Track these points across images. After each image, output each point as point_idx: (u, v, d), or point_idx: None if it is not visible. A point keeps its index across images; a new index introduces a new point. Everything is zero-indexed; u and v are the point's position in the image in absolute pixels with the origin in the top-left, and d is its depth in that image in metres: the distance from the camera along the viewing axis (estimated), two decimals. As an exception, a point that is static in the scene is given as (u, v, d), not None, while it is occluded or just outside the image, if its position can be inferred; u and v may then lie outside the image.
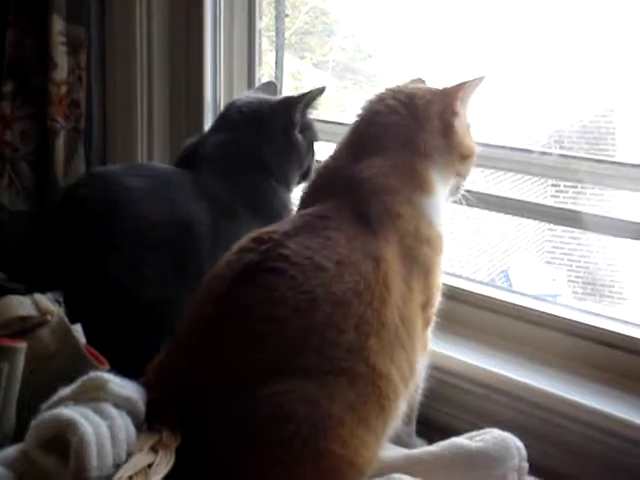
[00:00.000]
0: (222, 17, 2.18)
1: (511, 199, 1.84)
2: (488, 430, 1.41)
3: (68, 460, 1.04)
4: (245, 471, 1.18)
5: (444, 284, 1.48)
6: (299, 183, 1.83)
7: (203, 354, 1.25)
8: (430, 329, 1.45)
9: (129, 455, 1.10)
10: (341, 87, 2.59)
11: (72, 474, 1.03)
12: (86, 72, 2.21)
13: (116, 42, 2.23)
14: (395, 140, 1.46)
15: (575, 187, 2.05)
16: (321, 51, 2.57)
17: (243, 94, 1.95)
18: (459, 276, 1.87)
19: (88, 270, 1.58)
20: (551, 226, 2.29)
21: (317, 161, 1.84)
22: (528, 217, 1.92)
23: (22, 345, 1.25)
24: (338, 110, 2.55)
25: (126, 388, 1.17)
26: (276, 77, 2.29)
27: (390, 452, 1.38)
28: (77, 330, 1.37)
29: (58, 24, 2.15)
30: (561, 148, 2.06)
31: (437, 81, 1.57)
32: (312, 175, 1.58)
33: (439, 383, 1.53)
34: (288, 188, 1.81)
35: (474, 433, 1.41)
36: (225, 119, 1.83)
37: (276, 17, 2.33)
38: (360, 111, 1.53)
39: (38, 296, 1.37)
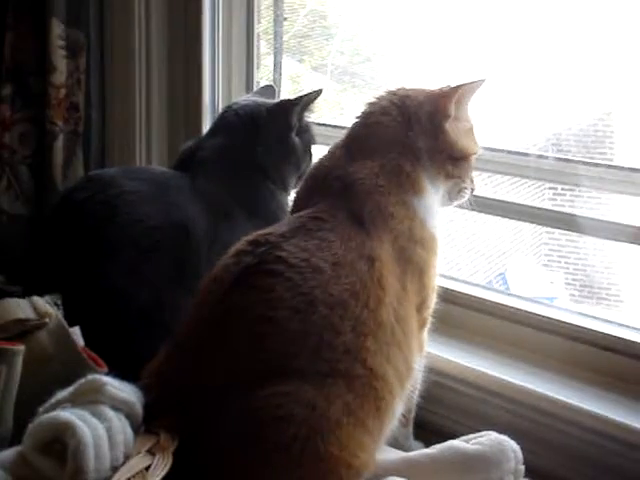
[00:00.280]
0: (220, 21, 2.18)
1: (508, 202, 1.84)
2: (485, 433, 1.41)
3: (65, 463, 1.04)
4: (243, 473, 1.19)
5: (441, 287, 1.48)
6: (296, 186, 1.83)
7: (201, 357, 1.26)
8: (426, 330, 1.45)
9: (126, 458, 1.10)
10: (339, 90, 2.59)
11: (69, 476, 1.03)
12: (85, 75, 2.21)
13: (115, 46, 2.24)
14: (386, 141, 1.46)
15: (572, 190, 2.05)
16: (320, 54, 2.57)
17: (241, 98, 1.95)
18: (456, 279, 1.87)
19: (86, 273, 1.58)
20: (548, 229, 2.28)
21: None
22: (525, 220, 1.93)
23: (20, 348, 1.25)
24: (336, 113, 2.55)
25: (124, 391, 1.17)
26: (274, 80, 2.29)
27: (387, 455, 1.37)
28: (75, 333, 1.37)
29: (57, 27, 2.15)
30: (559, 151, 2.05)
31: (435, 85, 1.57)
32: (306, 174, 1.58)
33: (436, 386, 1.53)
34: (285, 191, 1.81)
35: (471, 436, 1.41)
36: (222, 122, 1.83)
37: (274, 20, 2.33)
38: (358, 113, 1.53)
39: (36, 299, 1.37)
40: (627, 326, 1.63)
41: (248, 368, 1.22)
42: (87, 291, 1.56)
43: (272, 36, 2.35)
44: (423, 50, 2.21)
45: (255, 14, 2.20)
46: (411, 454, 1.42)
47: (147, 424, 1.19)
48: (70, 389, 1.16)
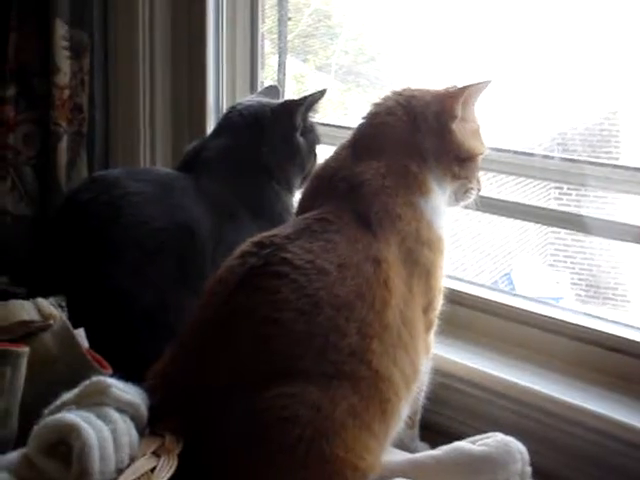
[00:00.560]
0: (224, 21, 2.17)
1: (514, 202, 1.84)
2: (491, 434, 1.40)
3: (71, 465, 1.04)
4: (247, 475, 1.19)
5: (447, 288, 1.48)
6: (301, 186, 1.82)
7: (206, 358, 1.26)
8: (432, 332, 1.45)
9: (131, 460, 1.10)
10: (344, 90, 2.58)
11: (74, 479, 1.03)
12: (89, 76, 2.21)
13: (119, 46, 2.24)
14: (392, 142, 1.46)
15: (578, 190, 2.04)
16: (324, 54, 2.56)
17: (245, 98, 1.95)
18: (462, 280, 1.86)
19: (90, 274, 1.58)
20: (554, 229, 2.28)
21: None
22: (531, 221, 1.92)
23: (25, 350, 1.25)
24: (341, 113, 2.55)
25: (129, 392, 1.17)
26: (279, 80, 2.29)
27: (393, 456, 1.37)
28: (80, 334, 1.37)
29: (61, 28, 2.15)
30: (564, 151, 2.05)
31: (440, 85, 1.57)
32: (312, 175, 1.58)
33: (442, 387, 1.53)
34: (290, 191, 1.81)
35: (477, 437, 1.41)
36: (226, 123, 1.83)
37: (279, 20, 2.33)
38: (364, 113, 1.53)
39: (41, 300, 1.37)
40: (633, 327, 1.63)
41: (253, 369, 1.22)
42: (91, 292, 1.56)
43: (276, 36, 2.35)
44: (428, 50, 2.20)
45: (259, 14, 2.19)
46: (417, 455, 1.42)
47: (152, 426, 1.19)
48: (75, 391, 1.16)
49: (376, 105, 1.52)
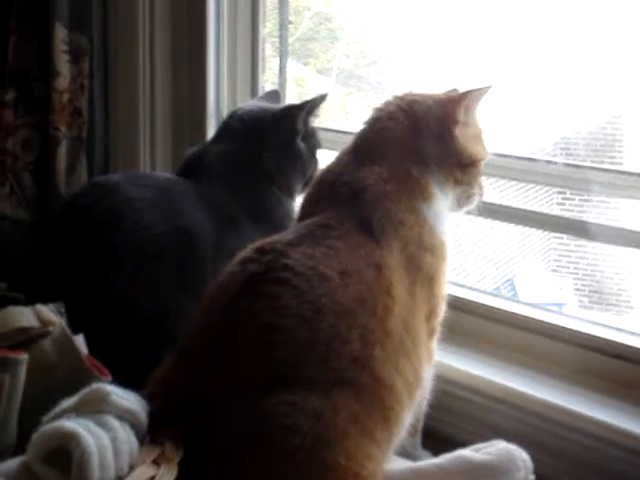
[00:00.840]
0: (225, 24, 2.17)
1: (517, 208, 1.84)
2: (494, 442, 1.40)
3: (70, 473, 1.03)
4: (249, 483, 1.18)
5: (449, 294, 1.47)
6: (302, 191, 1.82)
7: (207, 365, 1.25)
8: (435, 339, 1.44)
9: (131, 468, 1.09)
10: (345, 94, 2.58)
11: (74, 487, 1.02)
12: (88, 80, 2.21)
13: (118, 50, 2.24)
14: (394, 147, 1.45)
15: (581, 195, 2.04)
16: (325, 57, 2.57)
17: (246, 103, 1.95)
18: (465, 286, 1.86)
19: (89, 280, 1.57)
20: (557, 235, 2.28)
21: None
22: (534, 226, 1.92)
23: (24, 356, 1.24)
24: (342, 117, 2.55)
25: (129, 400, 1.16)
26: (279, 84, 2.29)
27: (395, 464, 1.37)
28: (79, 341, 1.36)
29: (60, 32, 2.15)
30: (567, 156, 2.05)
31: (442, 89, 1.57)
32: (314, 181, 1.57)
33: (444, 394, 1.52)
34: (291, 196, 1.81)
35: (480, 445, 1.40)
36: (227, 128, 1.83)
37: (280, 23, 2.33)
38: (366, 118, 1.53)
39: (39, 307, 1.37)
40: (636, 334, 1.62)
41: (254, 376, 1.21)
42: (91, 298, 1.56)
43: (277, 39, 2.35)
44: (430, 54, 2.20)
45: (260, 17, 2.19)
46: (419, 464, 1.41)
47: (152, 433, 1.18)
48: (74, 398, 1.15)
49: (378, 110, 1.52)
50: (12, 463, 1.10)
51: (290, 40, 2.37)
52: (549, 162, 1.81)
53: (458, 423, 1.62)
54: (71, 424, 1.07)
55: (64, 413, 1.12)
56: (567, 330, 1.65)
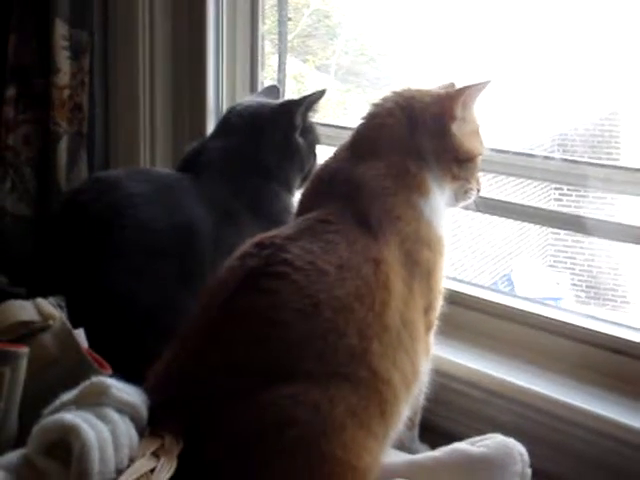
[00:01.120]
0: (225, 21, 2.18)
1: (514, 203, 1.84)
2: (491, 435, 1.40)
3: (70, 465, 1.04)
4: (247, 475, 1.18)
5: (447, 289, 1.48)
6: (301, 186, 1.82)
7: (206, 359, 1.25)
8: (432, 333, 1.45)
9: (131, 460, 1.10)
10: (344, 90, 2.59)
11: (74, 479, 1.03)
12: (89, 76, 2.21)
13: (119, 46, 2.24)
14: (391, 142, 1.46)
15: (578, 191, 2.04)
16: (324, 54, 2.57)
17: (245, 98, 1.95)
18: (462, 281, 1.86)
19: (90, 274, 1.57)
20: (554, 230, 2.28)
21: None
22: (531, 222, 1.92)
23: (24, 350, 1.25)
24: (341, 113, 2.55)
25: (128, 393, 1.17)
26: (279, 80, 2.29)
27: (392, 457, 1.37)
28: (79, 335, 1.36)
29: (61, 28, 2.15)
30: (564, 152, 2.06)
31: (439, 84, 1.57)
32: (312, 176, 1.58)
33: (442, 388, 1.52)
34: (290, 191, 1.81)
35: (477, 438, 1.40)
36: (226, 124, 1.83)
37: (279, 20, 2.33)
38: (364, 114, 1.53)
39: (40, 301, 1.37)
40: (633, 328, 1.63)
41: (253, 370, 1.22)
42: (92, 293, 1.56)
43: (276, 36, 2.35)
44: (428, 50, 2.21)
45: (259, 14, 2.19)
46: (416, 457, 1.42)
47: (152, 426, 1.19)
48: (74, 391, 1.15)
49: (375, 106, 1.52)
50: (13, 456, 1.10)
51: (289, 37, 2.37)
52: (547, 158, 1.82)
53: (455, 417, 1.63)
54: (71, 417, 1.07)
55: (64, 406, 1.13)
56: (565, 324, 1.66)
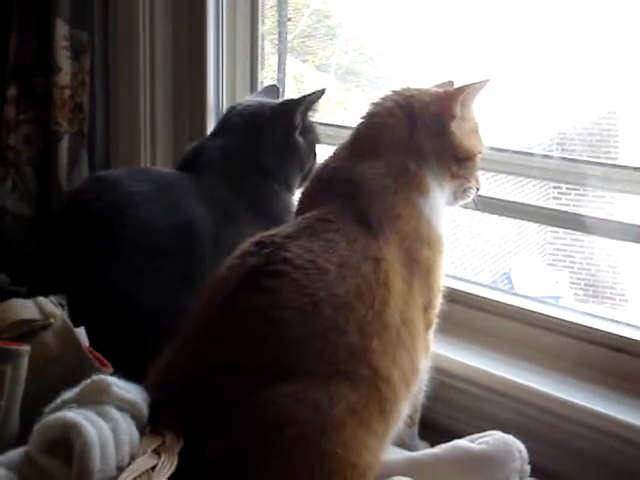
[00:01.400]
0: (224, 21, 2.18)
1: (513, 202, 1.84)
2: (490, 433, 1.41)
3: (71, 463, 1.04)
4: (248, 473, 1.18)
5: (446, 287, 1.48)
6: (300, 185, 1.83)
7: (206, 358, 1.26)
8: (432, 331, 1.45)
9: (132, 458, 1.10)
10: (343, 90, 2.59)
11: (75, 477, 1.03)
12: (90, 76, 2.21)
13: (119, 46, 2.24)
14: (391, 141, 1.46)
15: (577, 189, 2.05)
16: (323, 54, 2.57)
17: (245, 98, 1.95)
18: (461, 279, 1.86)
19: (91, 273, 1.58)
20: (553, 228, 2.28)
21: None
22: (530, 220, 1.93)
23: (25, 348, 1.25)
24: (340, 113, 2.55)
25: (129, 391, 1.17)
26: (278, 80, 2.30)
27: (392, 455, 1.38)
28: (80, 333, 1.37)
29: (62, 28, 2.15)
30: (563, 151, 2.06)
31: (438, 82, 1.57)
32: (312, 175, 1.58)
33: (441, 385, 1.53)
34: (289, 191, 1.81)
35: (476, 435, 1.41)
36: (226, 123, 1.84)
37: (278, 21, 2.33)
38: (363, 113, 1.53)
39: (41, 299, 1.37)
40: (633, 325, 1.63)
41: (254, 369, 1.22)
42: (92, 291, 1.57)
43: (276, 36, 2.35)
44: (427, 49, 2.21)
45: (259, 14, 2.19)
46: (416, 454, 1.42)
47: (153, 424, 1.19)
48: (76, 389, 1.15)
49: (375, 105, 1.52)
50: (14, 454, 1.10)
51: (289, 37, 2.38)
52: (545, 156, 1.82)
53: (455, 414, 1.63)
54: (72, 415, 1.08)
55: (65, 404, 1.13)
56: (563, 322, 1.66)
